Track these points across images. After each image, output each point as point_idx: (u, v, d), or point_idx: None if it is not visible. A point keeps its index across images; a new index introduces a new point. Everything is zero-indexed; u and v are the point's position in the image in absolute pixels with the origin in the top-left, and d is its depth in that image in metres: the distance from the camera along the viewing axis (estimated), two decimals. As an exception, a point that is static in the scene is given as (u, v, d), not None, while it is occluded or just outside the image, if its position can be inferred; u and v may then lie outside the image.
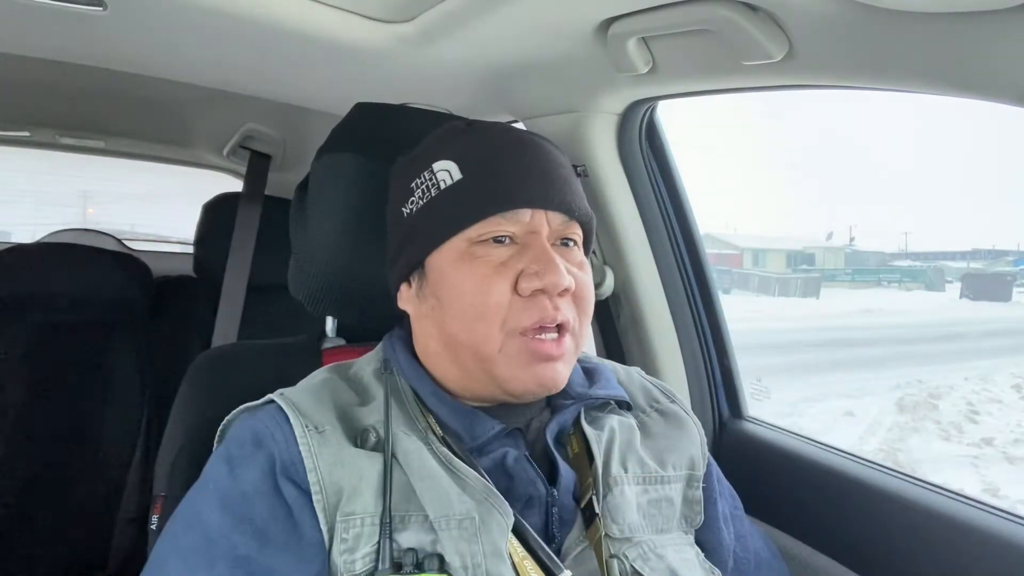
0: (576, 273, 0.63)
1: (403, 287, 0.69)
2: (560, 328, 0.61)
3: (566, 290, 0.61)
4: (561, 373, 0.62)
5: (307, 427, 0.59)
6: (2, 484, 1.46)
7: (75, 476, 1.51)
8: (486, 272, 0.61)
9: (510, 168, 0.63)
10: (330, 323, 0.87)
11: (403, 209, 0.67)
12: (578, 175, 0.70)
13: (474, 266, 0.61)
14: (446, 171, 0.64)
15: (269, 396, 0.64)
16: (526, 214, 0.62)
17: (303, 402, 0.62)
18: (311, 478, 0.57)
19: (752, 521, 0.92)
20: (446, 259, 0.63)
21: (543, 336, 0.61)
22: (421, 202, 0.65)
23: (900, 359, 8.35)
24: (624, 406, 0.72)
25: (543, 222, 0.63)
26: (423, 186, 0.65)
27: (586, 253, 0.69)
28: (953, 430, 5.62)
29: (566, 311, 0.62)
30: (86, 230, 2.02)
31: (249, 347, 0.88)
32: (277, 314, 1.40)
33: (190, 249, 1.76)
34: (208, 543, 0.55)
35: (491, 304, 0.60)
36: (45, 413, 1.52)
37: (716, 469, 0.75)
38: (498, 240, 0.62)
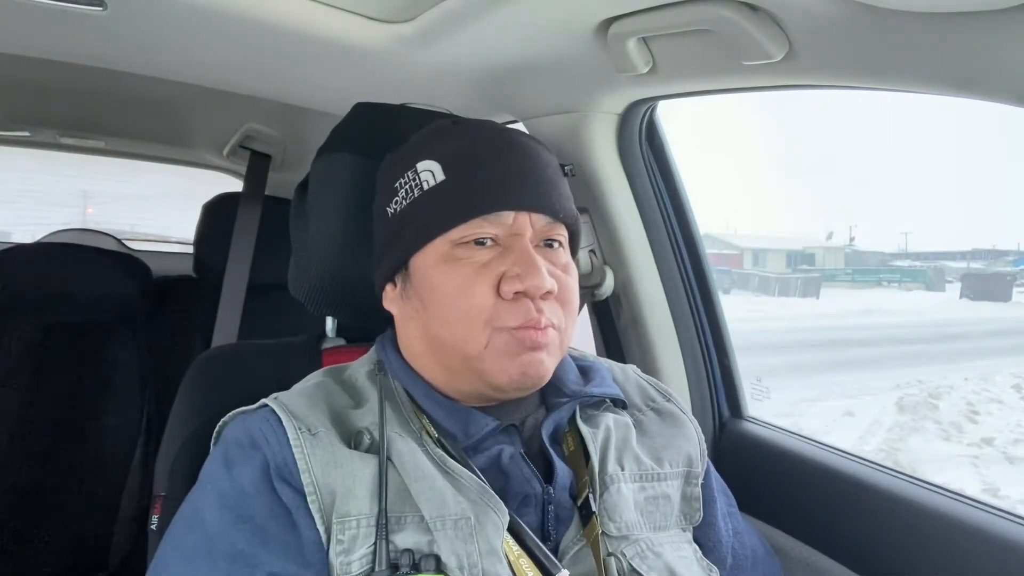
0: (559, 275, 0.63)
1: (388, 287, 0.68)
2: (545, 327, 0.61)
3: (548, 292, 0.61)
4: (546, 364, 0.61)
5: (300, 429, 0.59)
6: (2, 484, 1.46)
7: (75, 476, 1.51)
8: (468, 274, 0.61)
9: (493, 169, 0.63)
10: (330, 323, 0.87)
11: (388, 209, 0.66)
12: (566, 175, 0.69)
13: (456, 268, 0.61)
14: (429, 171, 0.63)
15: (263, 400, 0.64)
16: (509, 216, 0.62)
17: (296, 405, 0.62)
18: (304, 479, 0.57)
19: (752, 520, 0.92)
20: (429, 261, 0.63)
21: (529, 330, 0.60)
22: (405, 202, 0.64)
23: (900, 359, 8.35)
24: (620, 404, 0.72)
25: (526, 224, 0.63)
26: (407, 186, 0.64)
27: (573, 254, 0.69)
28: (953, 430, 5.62)
29: (550, 314, 0.61)
30: (86, 230, 2.02)
31: (249, 347, 0.88)
32: (277, 314, 1.40)
33: (190, 249, 1.76)
34: (208, 541, 0.55)
35: (474, 306, 0.60)
36: (45, 413, 1.52)
37: (711, 466, 0.75)
38: (481, 242, 0.62)
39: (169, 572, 0.56)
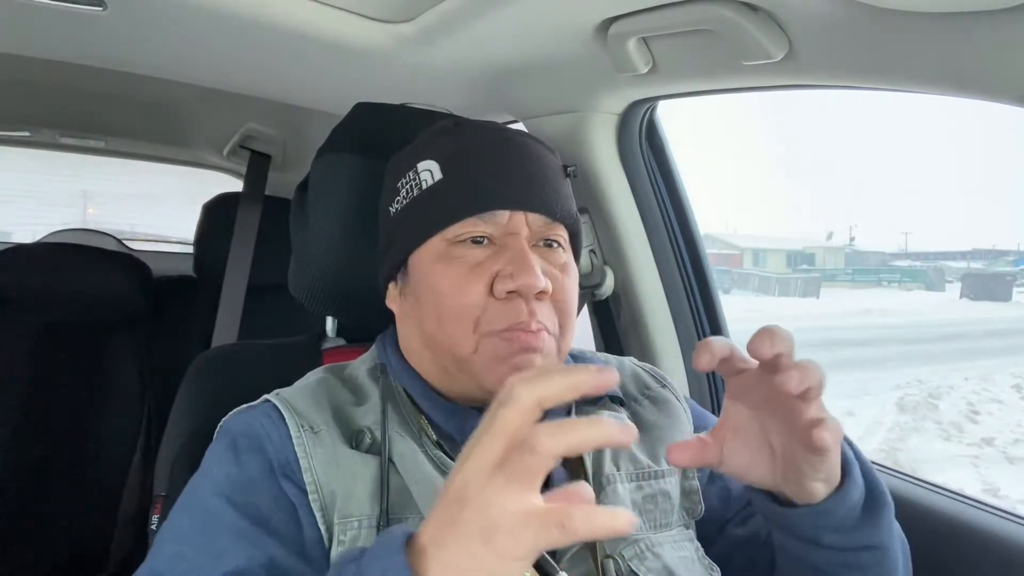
0: (556, 275, 0.62)
1: (390, 286, 0.69)
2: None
3: (543, 292, 0.60)
4: (539, 365, 0.60)
5: (302, 427, 0.59)
6: (2, 484, 1.46)
7: (75, 476, 1.51)
8: (462, 272, 0.61)
9: (490, 169, 0.63)
10: (330, 323, 0.87)
11: (390, 208, 0.67)
12: (568, 175, 0.69)
13: (451, 266, 0.61)
14: (428, 171, 0.64)
15: (265, 396, 0.64)
16: (504, 215, 0.62)
17: (298, 402, 0.62)
18: (307, 478, 0.57)
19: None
20: (425, 259, 0.63)
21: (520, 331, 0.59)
22: (405, 201, 0.65)
23: (900, 359, 8.36)
24: (617, 401, 0.72)
25: (522, 223, 0.62)
26: (407, 185, 0.65)
27: (576, 256, 0.69)
28: (953, 430, 5.63)
29: (542, 316, 0.60)
30: (86, 230, 2.02)
31: (249, 347, 0.88)
32: (277, 314, 1.41)
33: (190, 249, 1.76)
34: (209, 519, 0.54)
35: (465, 305, 0.60)
36: (45, 413, 1.52)
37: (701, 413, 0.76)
38: (476, 241, 0.62)
39: (163, 549, 0.54)
